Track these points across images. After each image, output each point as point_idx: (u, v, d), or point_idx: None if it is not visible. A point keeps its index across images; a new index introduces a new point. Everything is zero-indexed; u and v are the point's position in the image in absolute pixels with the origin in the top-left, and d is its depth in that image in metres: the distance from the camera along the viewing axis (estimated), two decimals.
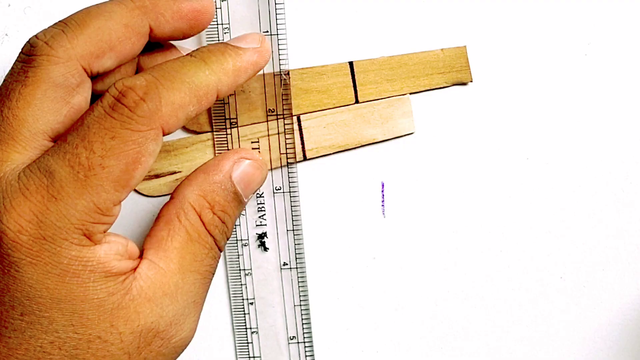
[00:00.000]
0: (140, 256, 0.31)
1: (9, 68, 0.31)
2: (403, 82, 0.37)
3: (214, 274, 0.33)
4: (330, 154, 0.38)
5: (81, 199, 0.29)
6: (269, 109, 0.37)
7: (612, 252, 0.38)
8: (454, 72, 0.38)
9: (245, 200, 0.34)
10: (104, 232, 0.30)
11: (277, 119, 0.37)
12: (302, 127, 0.37)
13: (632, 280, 0.38)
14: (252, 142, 0.37)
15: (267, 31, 0.36)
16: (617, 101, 0.38)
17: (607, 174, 0.38)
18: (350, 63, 0.37)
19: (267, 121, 0.37)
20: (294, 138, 0.37)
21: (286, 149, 0.37)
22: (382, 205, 0.38)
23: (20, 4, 0.37)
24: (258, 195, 0.37)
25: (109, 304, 0.30)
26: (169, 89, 0.30)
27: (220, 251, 0.33)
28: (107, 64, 0.31)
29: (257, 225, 0.37)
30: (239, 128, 0.37)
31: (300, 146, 0.37)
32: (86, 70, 0.31)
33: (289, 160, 0.37)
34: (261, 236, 0.37)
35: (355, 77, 0.37)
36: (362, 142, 0.37)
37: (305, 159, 0.37)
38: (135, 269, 0.31)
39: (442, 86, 0.38)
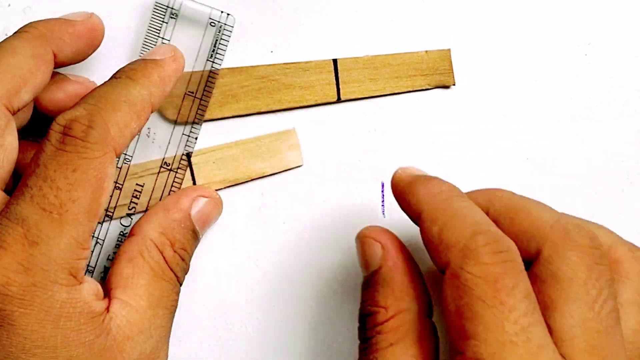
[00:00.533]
0: (108, 295, 0.31)
1: None
2: (386, 82, 0.37)
3: (176, 308, 0.33)
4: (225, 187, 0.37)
5: (63, 237, 0.29)
6: (166, 162, 0.37)
7: None
8: (437, 74, 0.38)
9: (200, 237, 0.35)
10: (84, 268, 0.30)
11: (171, 166, 0.37)
12: (192, 163, 0.37)
13: None
14: (138, 179, 0.36)
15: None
16: (615, 101, 0.38)
17: (607, 174, 0.38)
18: (334, 60, 0.37)
19: (161, 167, 0.37)
20: (184, 175, 0.36)
21: (170, 191, 0.36)
22: (382, 205, 0.38)
23: (20, 4, 0.37)
24: (121, 233, 0.37)
25: (97, 346, 0.29)
26: (110, 112, 0.30)
27: (180, 286, 0.33)
28: (25, 98, 0.32)
29: (108, 260, 0.37)
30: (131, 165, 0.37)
31: (192, 182, 0.37)
32: (8, 108, 0.31)
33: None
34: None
35: (339, 74, 0.37)
36: (253, 176, 0.37)
37: None
38: (107, 308, 0.30)
39: (424, 88, 0.38)
